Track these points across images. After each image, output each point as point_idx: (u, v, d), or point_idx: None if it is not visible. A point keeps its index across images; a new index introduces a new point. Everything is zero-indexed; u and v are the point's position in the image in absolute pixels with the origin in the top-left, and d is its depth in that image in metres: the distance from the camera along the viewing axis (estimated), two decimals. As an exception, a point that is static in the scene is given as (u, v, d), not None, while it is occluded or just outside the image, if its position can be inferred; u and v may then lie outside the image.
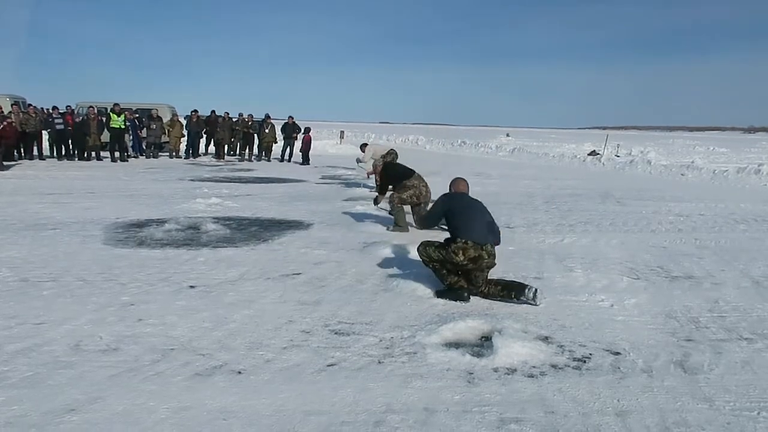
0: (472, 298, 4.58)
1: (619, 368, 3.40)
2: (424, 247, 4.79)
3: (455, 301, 4.53)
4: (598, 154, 24.30)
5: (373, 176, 11.79)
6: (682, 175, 17.68)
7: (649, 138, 70.01)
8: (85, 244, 6.18)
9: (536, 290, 4.47)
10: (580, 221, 8.67)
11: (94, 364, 3.23)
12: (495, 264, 4.70)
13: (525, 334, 3.82)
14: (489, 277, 4.72)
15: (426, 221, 5.07)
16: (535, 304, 4.42)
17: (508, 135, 54.05)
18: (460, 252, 4.51)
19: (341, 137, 31.01)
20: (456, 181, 5.13)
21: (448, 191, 5.09)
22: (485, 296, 4.63)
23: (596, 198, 11.66)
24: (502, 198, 11.06)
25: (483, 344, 3.72)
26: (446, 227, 4.98)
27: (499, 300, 4.57)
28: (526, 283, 4.62)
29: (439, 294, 4.65)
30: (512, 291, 4.53)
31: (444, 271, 4.67)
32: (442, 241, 4.78)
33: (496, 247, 4.71)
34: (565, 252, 6.48)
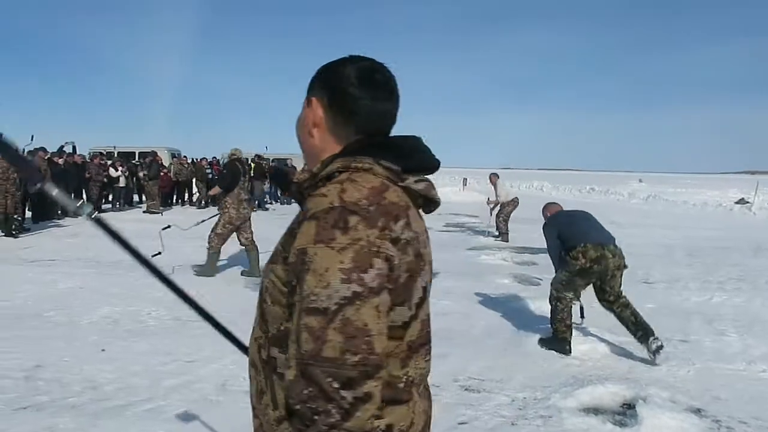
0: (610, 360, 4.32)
1: (789, 452, 3.01)
2: (552, 282, 4.61)
3: (556, 351, 4.40)
4: (748, 202, 22.14)
5: (496, 208, 11.86)
6: None
7: (808, 183, 62.61)
8: (230, 286, 6.66)
9: (661, 345, 4.18)
10: (731, 277, 7.90)
11: (239, 404, 3.43)
12: (626, 266, 4.44)
13: (673, 404, 3.52)
14: (628, 301, 4.43)
15: (553, 261, 4.81)
16: (653, 360, 4.16)
17: (640, 180, 51.07)
18: (580, 255, 4.35)
19: (464, 184, 30.87)
20: (548, 206, 5.09)
21: (545, 220, 4.93)
22: (613, 313, 4.41)
23: (747, 251, 10.59)
24: (637, 249, 10.39)
25: (625, 412, 3.47)
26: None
27: (624, 327, 4.38)
28: (657, 335, 4.27)
29: (542, 342, 4.55)
30: (639, 330, 4.26)
31: (563, 312, 4.40)
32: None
33: None
34: (714, 312, 5.92)
